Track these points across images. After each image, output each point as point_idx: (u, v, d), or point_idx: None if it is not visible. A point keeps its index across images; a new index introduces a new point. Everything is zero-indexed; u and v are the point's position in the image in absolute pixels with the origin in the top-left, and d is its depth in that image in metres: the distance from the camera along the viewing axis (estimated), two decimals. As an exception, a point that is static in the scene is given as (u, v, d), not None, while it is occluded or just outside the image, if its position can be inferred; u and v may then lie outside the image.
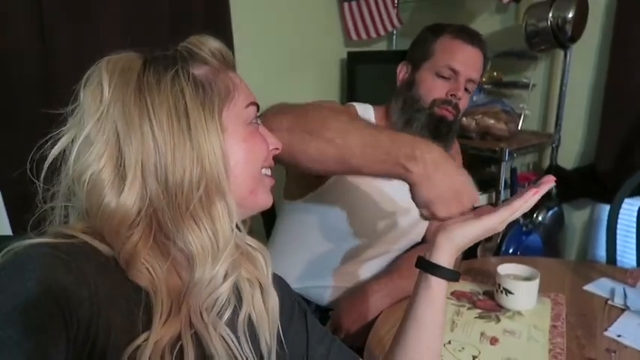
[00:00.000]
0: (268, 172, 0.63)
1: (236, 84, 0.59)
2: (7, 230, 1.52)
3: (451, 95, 1.10)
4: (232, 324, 0.59)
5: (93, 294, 0.47)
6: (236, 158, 0.56)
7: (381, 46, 2.61)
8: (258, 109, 0.63)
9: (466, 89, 1.12)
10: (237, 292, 0.61)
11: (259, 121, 0.63)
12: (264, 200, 0.62)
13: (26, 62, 1.47)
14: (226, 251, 0.54)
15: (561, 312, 1.01)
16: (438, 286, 0.68)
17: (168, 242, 0.54)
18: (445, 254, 0.68)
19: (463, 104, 1.13)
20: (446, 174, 0.70)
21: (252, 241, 0.63)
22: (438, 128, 1.11)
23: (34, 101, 1.49)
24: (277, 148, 0.64)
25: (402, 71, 1.18)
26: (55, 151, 0.54)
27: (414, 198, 0.73)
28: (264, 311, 0.62)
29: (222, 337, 0.56)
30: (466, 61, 1.10)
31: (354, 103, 1.20)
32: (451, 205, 0.70)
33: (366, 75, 2.34)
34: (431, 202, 0.70)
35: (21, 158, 1.62)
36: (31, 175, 0.54)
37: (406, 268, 1.09)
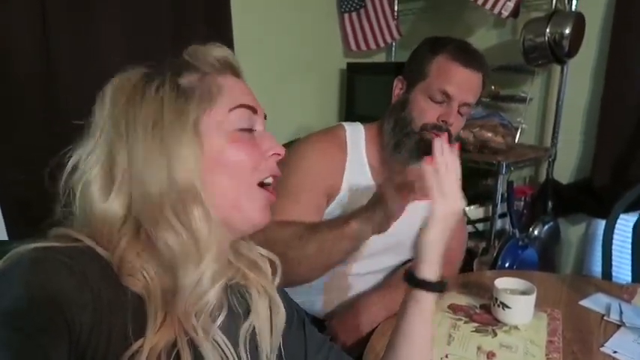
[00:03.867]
0: (269, 180, 0.59)
1: (222, 87, 0.57)
2: (2, 234, 1.51)
3: (442, 121, 1.06)
4: (235, 332, 0.59)
5: (95, 299, 0.47)
6: (215, 169, 0.54)
7: (380, 57, 2.63)
8: (255, 111, 0.59)
9: (460, 111, 1.08)
10: (243, 301, 0.61)
11: (257, 125, 0.59)
12: (256, 217, 0.57)
13: (27, 65, 1.47)
14: (208, 257, 0.52)
15: (558, 327, 1.01)
16: (426, 300, 0.68)
17: (155, 248, 0.54)
18: (430, 266, 0.67)
19: (456, 128, 1.09)
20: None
21: (263, 251, 0.63)
22: (427, 153, 1.09)
23: (33, 104, 1.49)
24: (278, 154, 0.59)
25: (397, 87, 1.14)
26: (72, 161, 0.55)
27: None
28: (269, 322, 0.62)
29: (217, 342, 0.55)
30: (461, 85, 1.05)
31: (345, 124, 1.17)
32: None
33: (365, 86, 2.35)
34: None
35: (18, 161, 1.60)
36: (49, 180, 0.55)
37: (404, 281, 1.09)
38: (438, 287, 0.68)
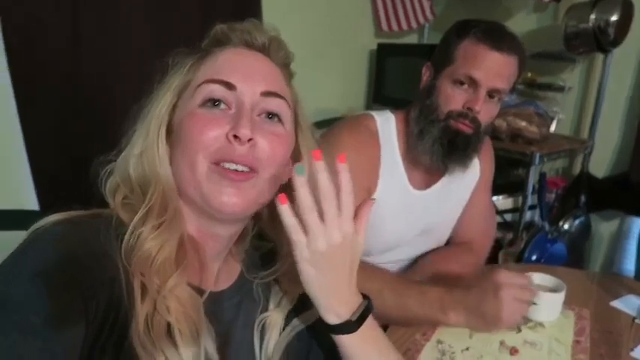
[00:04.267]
0: (229, 166, 0.52)
1: (202, 64, 0.56)
2: (34, 203, 1.55)
3: (468, 108, 0.99)
4: (245, 316, 0.60)
5: (114, 279, 0.47)
6: (176, 145, 0.55)
7: (412, 38, 2.56)
8: (231, 87, 0.54)
9: (492, 96, 1.00)
10: (266, 294, 0.62)
11: (233, 101, 0.54)
12: (214, 201, 0.51)
13: (55, 31, 1.47)
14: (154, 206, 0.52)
15: (585, 327, 0.97)
16: (343, 344, 0.56)
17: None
18: (328, 310, 0.54)
19: (486, 116, 1.01)
20: (475, 293, 0.89)
21: None
22: (454, 143, 1.01)
23: (64, 78, 1.50)
24: (237, 137, 0.51)
25: (425, 74, 1.09)
26: None
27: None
28: (280, 324, 0.61)
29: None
30: (489, 69, 0.97)
31: (374, 114, 1.11)
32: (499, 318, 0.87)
33: (395, 68, 2.29)
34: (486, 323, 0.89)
35: (52, 133, 1.61)
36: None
37: (429, 269, 1.07)
38: (341, 330, 0.54)
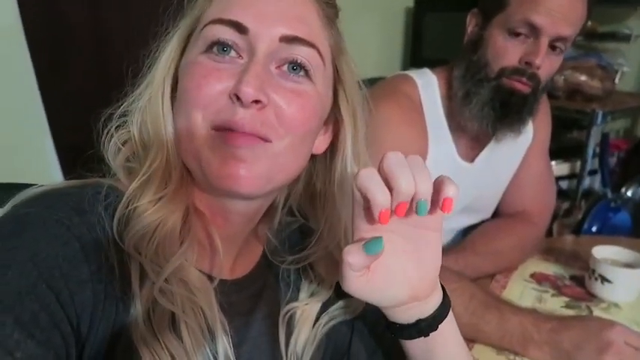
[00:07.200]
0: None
1: (215, 2, 0.45)
2: (59, 179, 1.52)
3: (525, 63, 0.84)
4: (270, 306, 0.51)
5: (98, 270, 0.38)
6: (178, 100, 0.45)
7: (454, -8, 2.36)
8: (243, 30, 0.42)
9: (554, 47, 0.84)
10: (296, 281, 0.53)
11: (243, 48, 0.42)
12: (214, 170, 0.41)
13: (75, 11, 1.43)
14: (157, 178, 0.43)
15: (670, 308, 0.84)
16: (408, 347, 0.47)
17: None
18: (390, 310, 0.45)
19: (546, 71, 0.85)
20: (571, 338, 0.71)
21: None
22: (507, 104, 0.86)
23: (87, 52, 1.48)
24: (237, 95, 0.40)
25: (470, 23, 0.93)
26: None
27: None
28: (314, 317, 0.51)
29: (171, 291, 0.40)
30: (553, 11, 0.81)
31: (414, 77, 0.97)
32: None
33: (435, 25, 2.13)
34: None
35: (74, 107, 1.57)
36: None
37: (481, 244, 0.95)
38: (415, 332, 0.45)
